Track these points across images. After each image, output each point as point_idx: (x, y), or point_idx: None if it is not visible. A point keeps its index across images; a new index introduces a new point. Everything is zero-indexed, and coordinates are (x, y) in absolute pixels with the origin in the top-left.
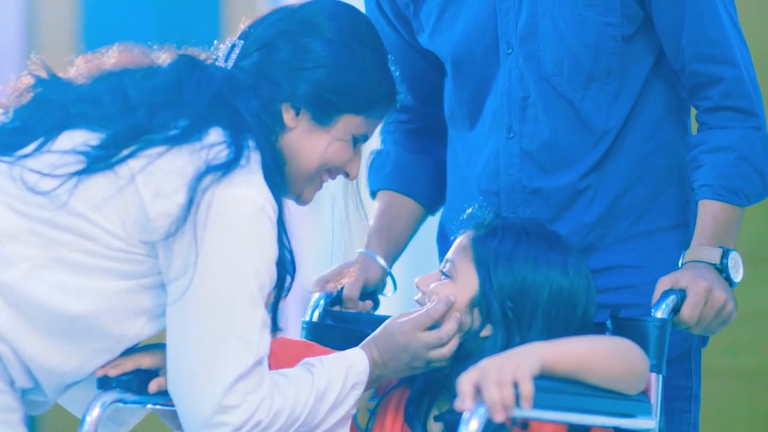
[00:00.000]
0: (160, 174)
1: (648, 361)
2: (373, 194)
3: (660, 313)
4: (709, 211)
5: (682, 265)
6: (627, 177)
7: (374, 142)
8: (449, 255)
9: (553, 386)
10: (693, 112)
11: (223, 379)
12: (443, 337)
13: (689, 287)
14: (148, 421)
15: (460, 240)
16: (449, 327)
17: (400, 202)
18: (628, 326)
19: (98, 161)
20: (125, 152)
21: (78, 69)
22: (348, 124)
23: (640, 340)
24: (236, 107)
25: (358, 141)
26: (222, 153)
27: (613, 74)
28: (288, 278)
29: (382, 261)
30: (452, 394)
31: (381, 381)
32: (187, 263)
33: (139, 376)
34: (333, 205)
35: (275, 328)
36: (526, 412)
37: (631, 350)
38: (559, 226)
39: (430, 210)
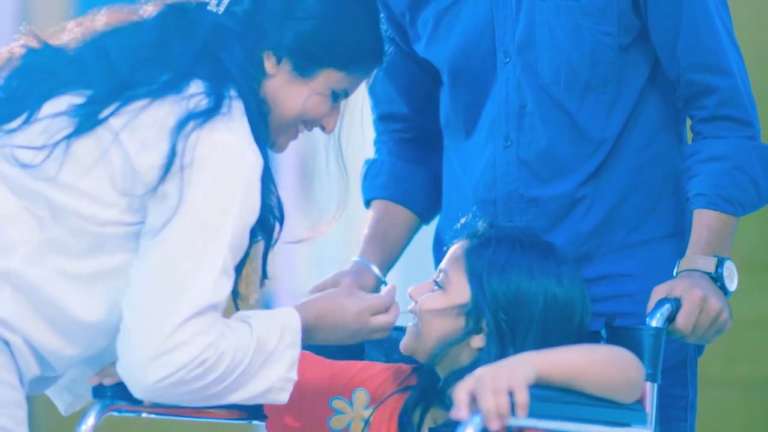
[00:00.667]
0: (144, 128)
1: (644, 370)
2: (368, 203)
3: (655, 322)
4: (704, 220)
5: (676, 273)
6: (623, 186)
7: (368, 151)
8: (442, 265)
9: (549, 395)
10: (689, 122)
11: (175, 316)
12: (391, 322)
13: (684, 296)
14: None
15: (454, 250)
16: (392, 310)
17: (395, 212)
18: (622, 335)
19: (85, 119)
20: (110, 109)
21: (70, 34)
22: (329, 78)
23: (635, 348)
24: (220, 58)
25: (338, 96)
26: (202, 102)
27: (610, 84)
28: (277, 226)
29: (376, 270)
30: (446, 405)
31: (303, 344)
32: (172, 206)
33: None
34: (314, 158)
35: (264, 276)
36: (522, 420)
37: (627, 359)
38: (556, 236)
39: (424, 219)
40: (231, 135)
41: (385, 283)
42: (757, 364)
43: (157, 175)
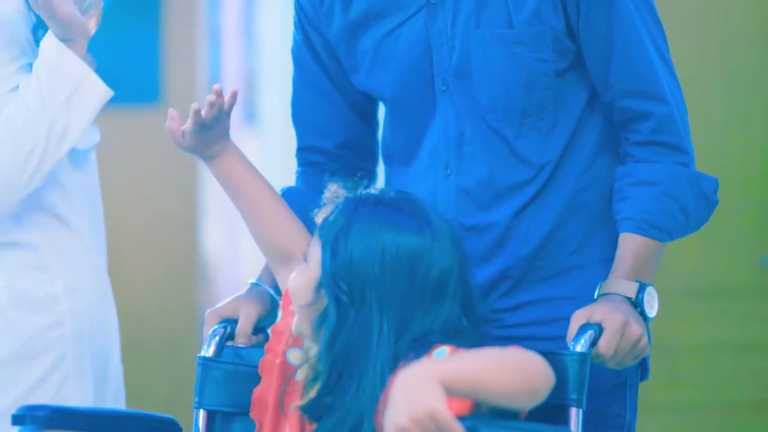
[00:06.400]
0: None
1: (552, 376)
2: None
3: (579, 347)
4: (629, 245)
5: (597, 296)
6: (563, 210)
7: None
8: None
9: (474, 425)
10: None
11: None
12: None
13: (605, 321)
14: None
15: (318, 221)
16: None
17: None
18: (546, 360)
19: None
20: None
21: None
22: None
23: (559, 374)
24: None
25: None
26: None
27: (547, 110)
28: None
29: (272, 291)
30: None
31: None
32: None
33: (57, 413)
34: None
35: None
36: None
37: (533, 366)
38: (496, 261)
39: None
40: None
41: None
42: (700, 389)
43: None
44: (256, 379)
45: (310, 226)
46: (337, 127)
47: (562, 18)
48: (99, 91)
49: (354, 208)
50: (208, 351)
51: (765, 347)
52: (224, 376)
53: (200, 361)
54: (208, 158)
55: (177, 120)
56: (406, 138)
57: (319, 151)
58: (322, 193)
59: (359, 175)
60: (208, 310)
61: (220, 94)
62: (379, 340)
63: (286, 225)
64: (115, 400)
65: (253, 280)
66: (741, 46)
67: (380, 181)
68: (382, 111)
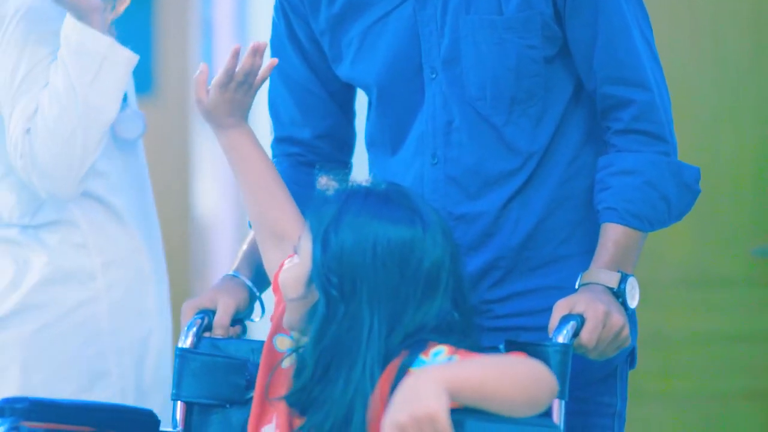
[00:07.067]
0: None
1: (556, 389)
2: (251, 223)
3: (561, 338)
4: (610, 235)
5: (579, 286)
6: (551, 200)
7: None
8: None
9: (462, 419)
10: None
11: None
12: None
13: (587, 311)
14: None
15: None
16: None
17: None
18: (528, 351)
19: None
20: None
21: None
22: None
23: None
24: None
25: None
26: None
27: (536, 97)
28: None
29: (249, 282)
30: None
31: None
32: None
33: (36, 405)
34: None
35: None
36: None
37: (540, 378)
38: (485, 250)
39: None
40: None
41: (260, 299)
42: (693, 379)
43: None
44: (234, 370)
45: None
46: (316, 117)
47: (551, 3)
48: (125, 58)
49: (344, 201)
50: (186, 342)
51: (757, 337)
52: (202, 368)
53: (178, 352)
54: (221, 127)
55: (206, 74)
56: (392, 127)
57: (296, 142)
58: (296, 185)
59: (349, 167)
60: (185, 302)
61: (261, 54)
62: (369, 335)
63: (285, 207)
64: (155, 376)
65: (231, 272)
66: (732, 38)
67: (356, 172)
68: (359, 101)
